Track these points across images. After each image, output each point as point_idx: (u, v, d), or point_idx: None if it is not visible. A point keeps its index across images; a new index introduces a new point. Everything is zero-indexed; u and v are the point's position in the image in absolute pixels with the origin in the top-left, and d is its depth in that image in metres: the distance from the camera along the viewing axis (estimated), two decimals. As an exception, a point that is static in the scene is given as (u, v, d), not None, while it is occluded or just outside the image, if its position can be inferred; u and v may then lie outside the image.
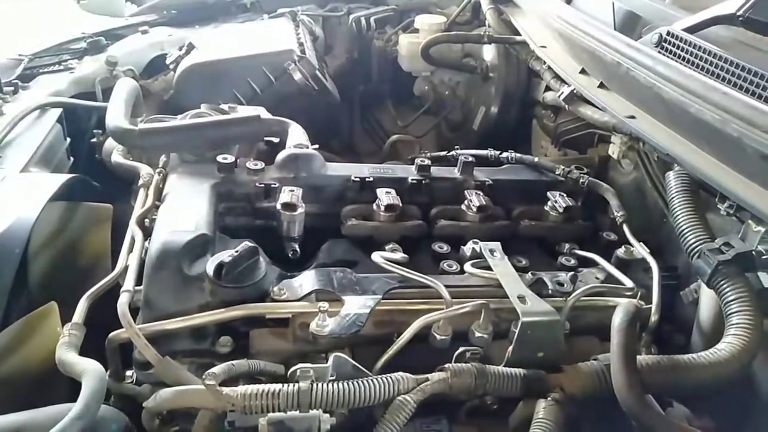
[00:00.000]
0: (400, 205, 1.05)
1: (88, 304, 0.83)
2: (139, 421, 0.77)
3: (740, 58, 0.81)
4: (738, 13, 0.85)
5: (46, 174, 1.19)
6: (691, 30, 0.92)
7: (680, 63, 0.90)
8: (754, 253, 0.81)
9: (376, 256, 0.92)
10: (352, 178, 1.09)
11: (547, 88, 1.48)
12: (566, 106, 1.27)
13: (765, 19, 0.84)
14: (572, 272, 0.97)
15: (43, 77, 1.48)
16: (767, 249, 0.82)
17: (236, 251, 0.85)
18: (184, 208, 0.95)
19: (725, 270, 0.79)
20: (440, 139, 2.04)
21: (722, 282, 0.79)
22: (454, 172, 1.17)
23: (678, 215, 0.88)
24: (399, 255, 0.97)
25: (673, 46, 0.93)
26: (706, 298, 0.88)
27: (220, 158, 1.05)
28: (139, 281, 0.85)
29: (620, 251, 1.02)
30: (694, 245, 0.84)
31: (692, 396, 0.84)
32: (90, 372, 0.69)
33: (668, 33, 0.94)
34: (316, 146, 1.15)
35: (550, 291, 0.91)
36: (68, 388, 0.77)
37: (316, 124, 1.33)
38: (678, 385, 0.77)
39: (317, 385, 0.71)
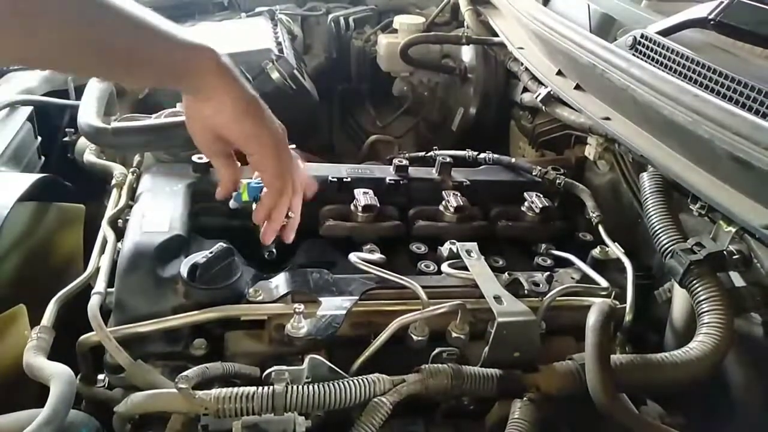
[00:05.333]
0: (378, 205, 1.05)
1: (58, 307, 0.81)
2: (111, 426, 0.76)
3: (712, 61, 0.83)
4: (710, 17, 0.86)
5: (15, 173, 1.16)
6: (665, 33, 0.94)
7: (654, 65, 0.91)
8: (725, 252, 0.83)
9: (353, 257, 0.92)
10: (330, 178, 1.08)
11: (525, 90, 1.49)
12: (543, 107, 1.28)
13: (736, 23, 0.85)
14: (548, 272, 0.98)
15: (13, 74, 1.44)
16: (738, 249, 0.83)
17: (211, 252, 0.84)
18: (157, 209, 0.94)
19: (697, 270, 0.80)
20: (419, 139, 2.05)
21: (694, 281, 0.80)
22: (432, 173, 1.17)
23: (651, 216, 0.90)
24: (376, 256, 0.97)
25: (647, 48, 0.94)
26: (679, 297, 0.89)
27: (195, 158, 1.03)
28: (111, 283, 0.84)
29: (595, 251, 1.03)
30: (667, 245, 0.85)
31: (665, 394, 0.85)
32: (58, 376, 0.67)
33: (642, 36, 0.95)
34: (294, 146, 1.14)
35: (526, 291, 0.91)
36: (37, 393, 0.75)
37: (294, 124, 1.30)
38: (651, 384, 0.78)
39: (292, 387, 0.70)
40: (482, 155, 1.26)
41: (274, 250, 1.00)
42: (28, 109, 1.31)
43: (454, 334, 0.83)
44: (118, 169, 1.10)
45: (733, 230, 0.82)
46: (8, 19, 0.55)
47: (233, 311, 0.82)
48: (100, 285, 0.82)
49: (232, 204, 0.89)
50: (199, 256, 0.84)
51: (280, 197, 0.82)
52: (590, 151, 1.22)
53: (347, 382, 0.72)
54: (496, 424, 0.78)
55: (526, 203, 1.12)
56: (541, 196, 1.13)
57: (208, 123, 0.77)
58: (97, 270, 0.87)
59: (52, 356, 0.74)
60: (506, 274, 0.93)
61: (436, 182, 1.15)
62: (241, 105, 0.75)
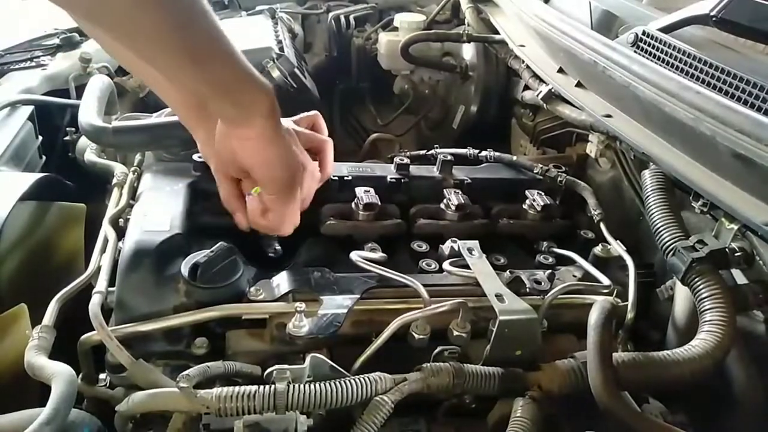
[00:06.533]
0: (379, 203, 1.05)
1: (59, 306, 0.81)
2: (112, 425, 0.76)
3: (713, 58, 0.82)
4: (712, 14, 0.86)
5: (16, 173, 1.16)
6: (666, 30, 0.93)
7: (655, 62, 0.91)
8: (727, 250, 0.82)
9: (354, 256, 0.92)
10: (331, 176, 1.08)
11: (526, 87, 1.49)
12: (544, 104, 1.27)
13: (738, 19, 0.85)
14: (550, 270, 0.98)
15: (14, 74, 1.44)
16: (740, 246, 0.83)
17: (212, 251, 0.84)
18: (158, 208, 0.94)
19: (699, 267, 0.80)
20: (420, 137, 2.05)
21: (696, 279, 0.80)
22: (433, 171, 1.16)
23: (653, 213, 0.89)
24: (378, 254, 0.97)
25: (649, 45, 0.93)
26: (681, 295, 0.89)
27: (196, 157, 1.03)
28: (112, 282, 0.84)
29: (597, 249, 1.03)
30: (668, 243, 0.85)
31: (667, 392, 0.85)
32: (60, 375, 0.67)
33: (644, 33, 0.95)
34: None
35: (527, 289, 0.91)
36: (39, 392, 0.76)
37: (295, 123, 1.31)
38: (653, 382, 0.77)
39: (294, 386, 0.70)
40: (483, 153, 1.26)
41: (278, 248, 1.00)
42: (29, 108, 1.31)
43: (455, 333, 0.83)
44: (119, 169, 1.09)
45: (736, 227, 0.82)
46: None
47: (234, 310, 0.82)
48: (101, 284, 0.82)
49: None
50: (200, 255, 0.84)
51: (265, 228, 0.89)
52: (592, 148, 1.22)
53: (349, 380, 0.72)
54: (498, 423, 0.78)
55: (527, 201, 1.12)
56: (543, 193, 1.12)
57: (237, 154, 0.80)
58: (98, 269, 0.86)
59: (53, 355, 0.74)
60: (508, 272, 0.93)
61: (437, 180, 1.14)
62: (276, 153, 0.79)
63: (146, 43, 0.65)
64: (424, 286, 0.85)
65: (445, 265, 0.95)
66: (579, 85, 1.14)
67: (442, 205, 1.09)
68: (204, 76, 0.70)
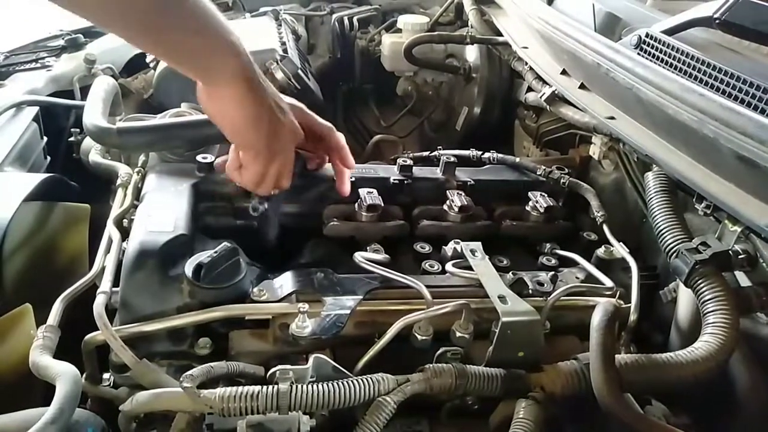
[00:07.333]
0: (382, 205, 1.05)
1: (64, 306, 0.82)
2: (116, 425, 0.76)
3: (717, 60, 0.82)
4: (715, 16, 0.85)
5: (21, 173, 1.17)
6: (670, 32, 0.93)
7: (658, 64, 0.91)
8: (730, 252, 0.82)
9: (358, 257, 0.92)
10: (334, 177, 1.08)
11: (529, 89, 1.49)
12: (548, 106, 1.27)
13: (741, 22, 0.85)
14: (553, 272, 0.98)
15: (19, 75, 1.45)
16: (743, 248, 0.83)
17: (215, 252, 0.84)
18: (162, 208, 0.94)
19: (702, 269, 0.80)
20: (423, 139, 2.05)
21: (699, 281, 0.80)
22: (436, 173, 1.17)
23: (656, 215, 0.89)
24: (381, 255, 0.97)
25: (652, 47, 0.93)
26: (684, 297, 0.89)
27: (200, 158, 1.04)
28: (116, 282, 0.84)
29: (600, 251, 1.03)
30: (672, 245, 0.85)
31: (670, 394, 0.85)
32: (64, 375, 0.67)
33: (647, 35, 0.95)
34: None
35: (530, 291, 0.91)
36: (43, 392, 0.76)
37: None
38: (656, 383, 0.78)
39: (297, 386, 0.70)
40: (486, 155, 1.26)
41: (260, 206, 1.01)
42: (34, 109, 1.31)
43: (458, 334, 0.83)
44: (123, 169, 1.10)
45: (739, 229, 0.82)
46: None
47: (238, 311, 0.82)
48: (105, 284, 0.83)
49: None
50: (204, 256, 0.84)
51: (240, 184, 0.91)
52: (595, 150, 1.22)
53: (351, 381, 0.72)
54: (501, 424, 0.78)
55: (530, 203, 1.12)
56: (546, 195, 1.13)
57: (208, 113, 0.82)
58: (103, 269, 0.87)
59: (57, 355, 0.75)
60: (510, 273, 0.93)
61: (441, 182, 1.15)
62: (244, 114, 0.79)
63: (95, 9, 0.65)
64: (427, 287, 0.85)
65: (448, 266, 0.95)
66: (582, 87, 1.14)
67: (445, 207, 1.09)
68: (160, 46, 0.70)
